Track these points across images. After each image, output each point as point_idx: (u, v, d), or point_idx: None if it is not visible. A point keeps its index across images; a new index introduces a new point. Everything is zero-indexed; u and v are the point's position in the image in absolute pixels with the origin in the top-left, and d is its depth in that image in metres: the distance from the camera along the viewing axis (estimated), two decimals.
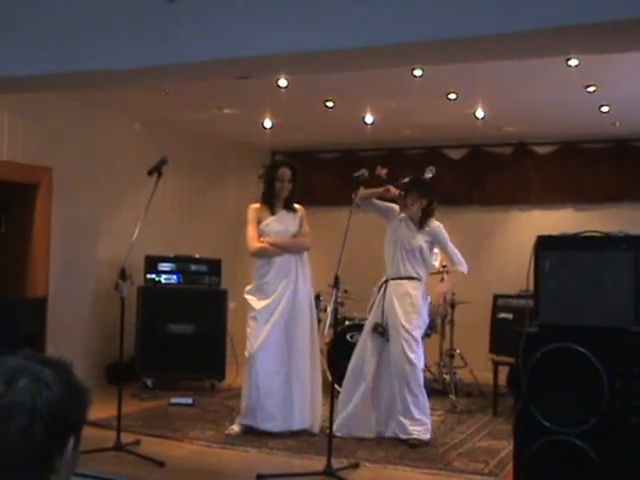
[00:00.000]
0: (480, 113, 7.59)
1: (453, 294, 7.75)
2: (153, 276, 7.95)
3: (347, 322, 7.53)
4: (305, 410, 5.99)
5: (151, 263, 7.94)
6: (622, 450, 3.79)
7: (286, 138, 9.23)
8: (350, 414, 5.95)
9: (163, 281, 8.00)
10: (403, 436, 5.79)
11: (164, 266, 8.02)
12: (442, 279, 7.69)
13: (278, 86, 6.38)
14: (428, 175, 6.32)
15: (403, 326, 5.84)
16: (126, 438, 5.45)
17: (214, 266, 8.09)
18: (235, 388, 7.33)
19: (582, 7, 3.33)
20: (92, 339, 7.81)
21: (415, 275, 5.96)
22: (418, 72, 5.87)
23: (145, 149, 7.90)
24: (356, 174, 5.49)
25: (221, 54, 4.15)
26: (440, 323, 7.84)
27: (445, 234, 6.08)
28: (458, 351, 7.82)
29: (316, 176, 9.52)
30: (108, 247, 7.82)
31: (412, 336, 5.83)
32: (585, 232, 4.11)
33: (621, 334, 3.89)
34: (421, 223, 6.03)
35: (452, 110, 7.45)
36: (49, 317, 6.72)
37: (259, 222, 6.07)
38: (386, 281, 6.04)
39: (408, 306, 5.88)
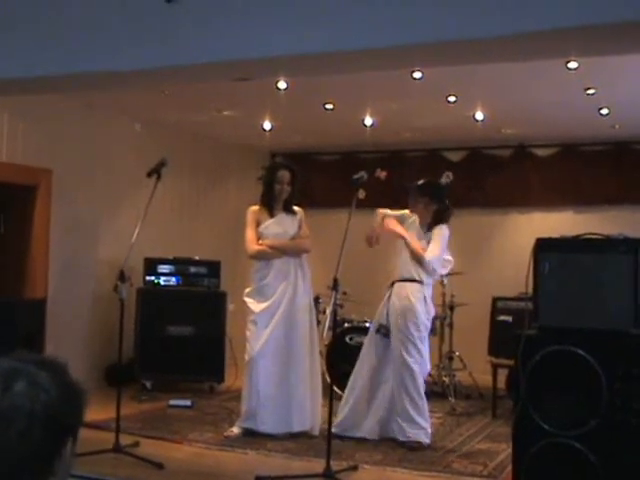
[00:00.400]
0: (480, 115, 7.60)
1: (452, 296, 7.76)
2: (152, 278, 7.95)
3: (346, 324, 7.53)
4: (305, 412, 5.98)
5: (150, 265, 7.94)
6: (622, 452, 3.79)
7: (286, 140, 9.24)
8: (346, 414, 5.96)
9: (162, 283, 8.00)
10: (402, 438, 5.79)
11: (163, 268, 8.02)
12: (442, 281, 7.71)
13: (278, 88, 6.38)
14: (444, 180, 6.26)
15: (401, 329, 5.85)
16: (125, 440, 5.45)
17: (213, 268, 8.09)
18: (234, 390, 7.33)
19: (581, 9, 3.33)
20: (91, 341, 7.81)
21: (416, 277, 5.93)
22: (418, 74, 5.87)
23: (145, 151, 7.90)
24: (355, 176, 5.48)
25: (221, 56, 4.15)
26: (439, 326, 7.84)
27: (441, 234, 5.94)
28: (457, 353, 7.82)
29: (315, 178, 9.52)
30: (107, 248, 7.82)
31: (409, 339, 5.83)
32: (584, 234, 4.10)
33: (620, 336, 3.88)
34: (429, 227, 5.99)
35: (452, 112, 7.45)
36: (48, 318, 6.71)
37: (258, 224, 6.07)
38: (393, 284, 6.04)
39: (407, 309, 5.87)
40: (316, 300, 7.57)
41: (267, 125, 8.40)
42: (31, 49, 4.57)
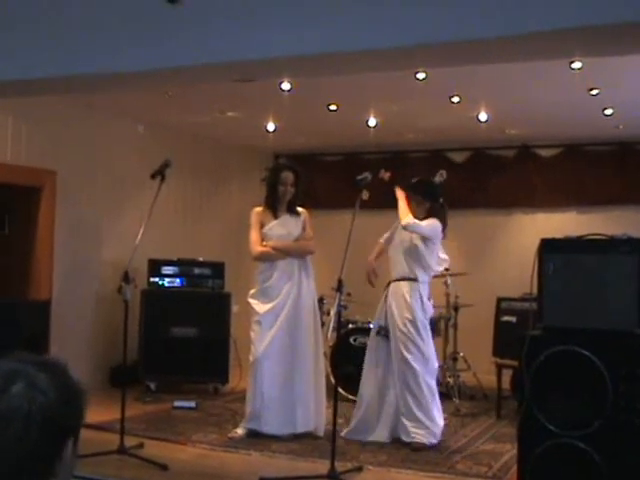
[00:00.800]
0: (483, 116, 7.59)
1: (457, 297, 7.75)
2: (156, 279, 7.95)
3: (350, 325, 7.52)
4: (309, 413, 5.98)
5: (154, 266, 7.94)
6: (626, 452, 3.79)
7: (289, 141, 9.24)
8: (358, 420, 5.97)
9: (166, 284, 8.00)
10: (406, 439, 5.79)
11: (167, 269, 8.02)
12: (446, 282, 7.71)
13: (281, 89, 6.39)
14: (438, 179, 6.29)
15: (399, 327, 5.87)
16: (129, 441, 5.45)
17: (217, 269, 8.09)
18: (238, 391, 7.33)
19: (585, 9, 3.33)
20: (95, 342, 7.81)
21: (411, 275, 5.96)
22: (421, 75, 5.87)
23: (148, 152, 7.91)
24: (359, 177, 5.48)
25: (223, 57, 4.15)
26: (443, 326, 7.84)
27: (430, 222, 5.97)
28: (461, 354, 7.81)
29: (319, 179, 9.52)
30: (111, 250, 7.83)
31: (408, 337, 5.84)
32: (588, 235, 4.10)
33: (625, 337, 3.88)
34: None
35: (455, 113, 7.45)
36: (52, 319, 6.72)
37: (262, 226, 6.07)
38: (389, 284, 6.05)
39: (403, 307, 5.90)
40: (320, 301, 7.57)
41: (270, 126, 8.40)
42: (31, 50, 4.58)
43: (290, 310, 5.97)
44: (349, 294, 7.29)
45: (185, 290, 8.03)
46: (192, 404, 7.09)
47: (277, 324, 5.94)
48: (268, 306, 5.96)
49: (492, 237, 9.31)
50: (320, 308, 7.60)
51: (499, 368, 6.95)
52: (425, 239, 5.96)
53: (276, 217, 6.09)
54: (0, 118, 6.82)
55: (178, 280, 8.04)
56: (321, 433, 5.96)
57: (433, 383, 5.97)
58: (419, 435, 5.75)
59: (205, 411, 6.98)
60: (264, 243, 6.03)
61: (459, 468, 5.32)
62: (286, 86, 6.33)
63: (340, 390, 5.79)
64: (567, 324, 4.01)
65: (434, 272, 6.26)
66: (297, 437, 5.94)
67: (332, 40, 3.84)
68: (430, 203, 6.05)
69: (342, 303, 5.65)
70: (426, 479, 5.12)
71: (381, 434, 5.91)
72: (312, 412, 5.99)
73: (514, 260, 8.45)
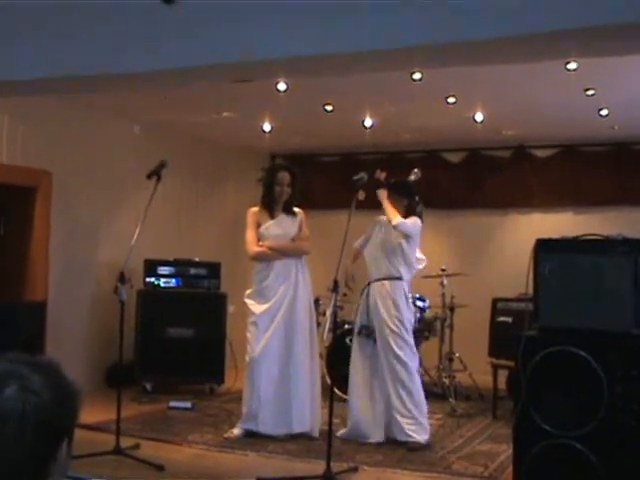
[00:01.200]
0: (479, 116, 7.60)
1: (452, 297, 7.76)
2: (152, 280, 7.95)
3: (346, 326, 7.52)
4: (305, 413, 5.99)
5: (150, 266, 7.94)
6: (622, 453, 3.79)
7: (285, 142, 9.24)
8: (356, 421, 5.98)
9: (162, 285, 8.00)
10: (402, 438, 5.80)
11: (163, 270, 8.01)
12: (442, 282, 7.72)
13: (277, 90, 6.38)
14: (413, 177, 6.32)
15: (388, 326, 5.89)
16: (125, 442, 5.45)
17: (213, 270, 8.09)
18: (234, 392, 7.33)
19: (581, 10, 3.33)
20: (91, 343, 7.81)
21: (397, 274, 5.99)
22: (417, 76, 5.87)
23: (144, 152, 7.90)
24: (355, 177, 5.49)
25: (220, 58, 4.15)
26: (439, 327, 7.84)
27: (414, 221, 6.01)
28: (457, 355, 7.82)
29: (315, 180, 9.52)
30: (107, 250, 7.83)
31: (398, 334, 5.88)
32: (584, 235, 4.11)
33: (621, 337, 3.89)
34: None
35: (451, 113, 7.46)
36: (48, 321, 6.71)
37: (258, 226, 6.08)
38: (369, 284, 6.06)
39: (391, 306, 5.93)
40: (316, 302, 7.57)
41: (267, 127, 8.40)
42: (30, 51, 4.57)
43: (286, 311, 5.97)
44: (345, 295, 7.29)
45: (181, 290, 8.03)
46: (188, 404, 7.09)
47: (273, 325, 5.95)
48: (264, 307, 5.97)
49: (488, 237, 9.32)
50: (316, 309, 7.60)
51: (495, 368, 6.96)
52: (408, 237, 6.00)
53: (272, 217, 6.09)
54: None
55: (174, 280, 8.04)
56: (316, 434, 5.97)
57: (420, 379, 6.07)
58: (414, 432, 5.77)
59: (201, 411, 6.98)
60: (260, 243, 6.04)
61: (455, 468, 5.32)
62: (282, 86, 6.32)
63: (336, 390, 5.80)
64: (563, 324, 4.01)
65: (415, 270, 6.29)
66: (293, 437, 5.95)
67: (331, 41, 3.84)
68: (408, 201, 6.10)
69: (338, 304, 5.67)
70: (422, 479, 5.12)
71: (376, 435, 5.92)
72: (308, 412, 6.00)
73: (510, 260, 8.46)
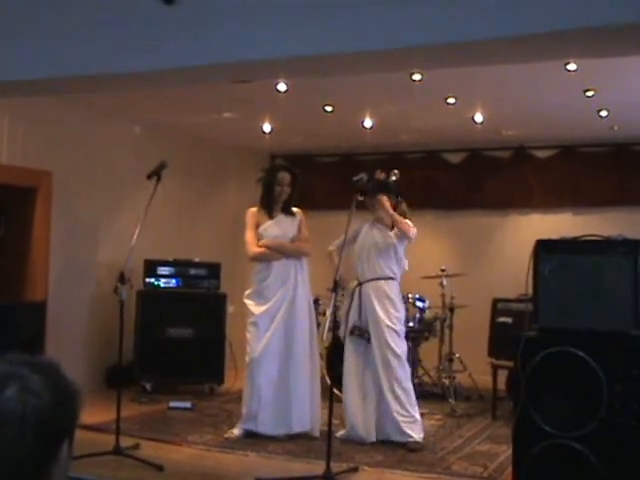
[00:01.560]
0: (479, 117, 7.60)
1: (452, 298, 7.76)
2: (152, 280, 7.95)
3: None
4: (305, 413, 6.00)
5: (150, 267, 7.94)
6: (622, 454, 3.79)
7: (285, 142, 9.24)
8: (352, 422, 5.99)
9: (162, 285, 8.00)
10: (400, 438, 5.79)
11: (163, 270, 8.02)
12: (442, 283, 7.72)
13: (277, 90, 6.39)
14: (393, 178, 6.31)
15: (386, 324, 5.90)
16: (125, 442, 5.45)
17: (213, 270, 8.09)
18: (234, 392, 7.33)
19: (581, 11, 3.33)
20: (91, 343, 7.81)
21: (391, 274, 6.02)
22: (417, 76, 5.88)
23: (145, 153, 7.90)
24: (355, 178, 5.49)
25: (220, 58, 4.15)
26: (439, 327, 7.84)
27: (413, 230, 6.06)
28: (457, 355, 7.81)
29: (315, 180, 9.52)
30: (107, 251, 7.83)
31: (396, 332, 5.91)
32: (584, 236, 4.11)
33: (620, 338, 3.89)
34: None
35: (451, 114, 7.46)
36: (48, 321, 6.71)
37: (257, 226, 6.08)
38: (360, 284, 6.05)
39: (388, 305, 5.95)
40: (316, 302, 7.57)
41: (267, 127, 8.40)
42: (30, 51, 4.57)
43: (286, 311, 5.98)
44: (344, 295, 7.29)
45: (181, 291, 8.03)
46: (188, 405, 7.09)
47: (273, 325, 5.95)
48: (264, 307, 5.97)
49: (488, 238, 9.32)
50: (316, 309, 7.60)
51: (495, 369, 6.96)
52: (401, 238, 5.99)
53: (271, 217, 6.09)
54: None
55: (174, 281, 8.04)
56: (316, 433, 5.97)
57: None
58: (412, 431, 5.78)
59: (201, 412, 6.98)
60: (259, 243, 6.04)
61: (455, 469, 5.32)
62: (282, 87, 6.33)
63: (335, 391, 5.80)
64: (563, 325, 4.02)
65: (404, 271, 6.30)
66: (293, 437, 5.95)
67: (331, 41, 3.84)
68: (395, 202, 6.11)
69: (337, 304, 5.67)
70: (421, 479, 5.13)
71: (370, 436, 5.92)
72: (308, 412, 6.00)
73: (510, 261, 8.46)
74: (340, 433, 5.98)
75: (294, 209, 6.17)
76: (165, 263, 8.03)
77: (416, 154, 9.48)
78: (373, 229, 6.11)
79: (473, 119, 7.64)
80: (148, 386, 7.71)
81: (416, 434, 5.81)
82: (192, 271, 8.09)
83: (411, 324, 7.25)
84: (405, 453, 5.65)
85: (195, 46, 4.13)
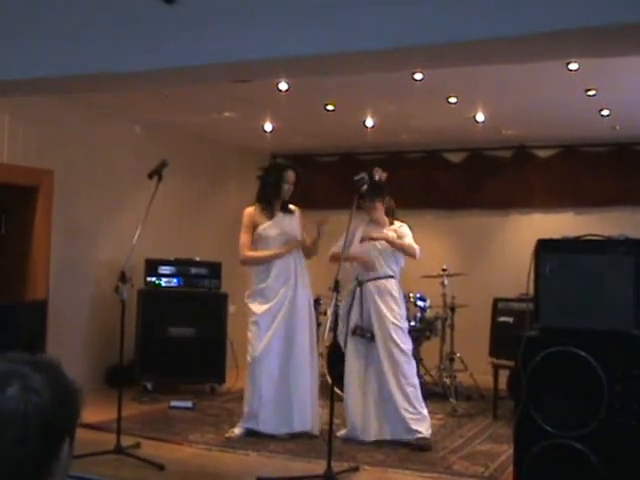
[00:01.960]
0: (480, 117, 7.60)
1: (453, 297, 7.76)
2: (153, 279, 7.95)
3: None
4: (306, 412, 6.01)
5: (151, 266, 7.94)
6: (622, 453, 3.79)
7: (286, 141, 9.24)
8: (353, 422, 5.99)
9: (163, 284, 8.00)
10: (408, 436, 5.78)
11: (164, 269, 8.02)
12: (443, 282, 7.72)
13: (278, 89, 6.39)
14: (377, 177, 6.29)
15: (391, 321, 5.91)
16: (126, 441, 5.45)
17: (214, 269, 8.09)
18: (235, 391, 7.33)
19: (582, 10, 3.33)
20: (92, 342, 7.81)
21: (391, 272, 6.04)
22: (418, 76, 5.87)
23: (145, 152, 7.90)
24: (356, 178, 5.49)
25: (221, 57, 4.15)
26: (440, 327, 7.84)
27: (408, 231, 6.11)
28: (458, 355, 7.81)
29: (316, 179, 9.52)
30: (108, 250, 7.82)
31: (401, 329, 5.93)
32: (585, 235, 4.11)
33: (621, 338, 3.89)
34: (390, 223, 6.12)
35: (452, 113, 7.46)
36: (49, 320, 6.71)
37: (254, 227, 6.06)
38: (360, 284, 6.04)
39: (391, 302, 5.96)
40: (317, 301, 7.58)
41: (268, 126, 8.40)
42: (30, 50, 4.57)
43: (287, 311, 5.99)
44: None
45: (182, 290, 8.03)
46: (189, 404, 7.09)
47: (274, 325, 5.96)
48: (265, 307, 5.98)
49: (489, 237, 9.32)
50: (317, 308, 7.61)
51: (496, 368, 6.96)
52: (397, 238, 6.03)
53: (271, 216, 6.08)
54: None
55: (175, 280, 8.04)
56: (317, 432, 5.98)
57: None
58: (421, 427, 5.77)
59: (202, 411, 6.98)
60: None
61: (456, 468, 5.32)
62: (283, 86, 6.33)
63: (336, 390, 5.80)
64: (564, 325, 4.01)
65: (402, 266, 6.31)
66: (294, 437, 5.96)
67: (332, 40, 3.84)
68: (385, 201, 6.14)
69: (338, 303, 5.67)
70: (422, 479, 5.12)
71: (371, 434, 5.92)
72: (309, 411, 6.01)
73: (511, 260, 8.46)
74: (341, 432, 5.98)
75: (292, 207, 6.18)
76: (166, 262, 8.03)
77: (417, 154, 9.48)
78: (370, 229, 6.11)
79: (474, 119, 7.63)
80: (149, 385, 7.71)
81: (424, 430, 5.80)
82: (193, 270, 8.09)
83: (412, 323, 7.24)
84: (407, 452, 5.65)
85: (195, 46, 4.13)
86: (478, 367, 7.70)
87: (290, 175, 6.08)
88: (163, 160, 5.66)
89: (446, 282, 7.74)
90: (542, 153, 9.05)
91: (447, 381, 7.64)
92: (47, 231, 7.30)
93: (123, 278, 5.45)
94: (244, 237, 6.09)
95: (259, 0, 3.99)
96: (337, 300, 5.30)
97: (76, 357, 7.28)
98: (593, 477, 3.80)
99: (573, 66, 5.53)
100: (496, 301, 7.33)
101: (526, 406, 3.98)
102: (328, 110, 7.49)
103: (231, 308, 7.99)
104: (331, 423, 5.09)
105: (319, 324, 7.89)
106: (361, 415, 5.96)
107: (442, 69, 5.44)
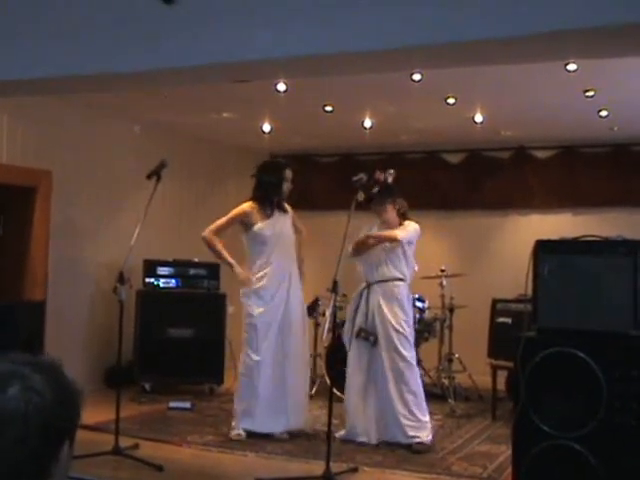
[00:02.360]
0: (479, 117, 7.60)
1: (452, 298, 7.76)
2: (152, 280, 7.95)
3: None
4: (301, 411, 6.07)
5: (150, 267, 7.94)
6: (621, 454, 3.79)
7: (285, 142, 9.24)
8: (352, 423, 5.99)
9: (162, 285, 8.00)
10: (405, 440, 5.77)
11: (163, 270, 8.01)
12: (441, 283, 7.72)
13: (277, 90, 6.39)
14: (390, 179, 6.30)
15: (394, 327, 5.87)
16: (124, 442, 5.45)
17: (213, 270, 8.09)
18: (233, 392, 7.32)
19: (581, 11, 3.33)
20: (91, 343, 7.80)
21: (400, 275, 5.98)
22: (417, 76, 5.88)
23: (144, 153, 7.90)
24: (355, 178, 5.49)
25: (219, 58, 4.15)
26: (439, 327, 7.84)
27: (412, 225, 6.05)
28: (457, 355, 7.82)
29: (315, 180, 9.53)
30: (107, 250, 7.82)
31: (404, 335, 5.87)
32: (584, 236, 4.11)
33: (620, 338, 3.89)
34: (400, 224, 6.07)
35: (451, 114, 7.46)
36: (48, 320, 6.71)
37: (249, 225, 6.02)
38: (368, 286, 6.03)
39: (396, 307, 5.91)
40: (316, 302, 7.58)
41: (266, 127, 8.40)
42: (30, 50, 4.57)
43: (283, 312, 6.00)
44: (345, 295, 7.28)
45: (180, 291, 8.03)
46: (187, 405, 7.09)
47: (271, 325, 5.97)
48: (262, 308, 5.97)
49: (487, 238, 9.32)
50: (316, 309, 7.62)
51: (494, 369, 6.96)
52: (409, 240, 6.00)
53: (271, 215, 6.06)
54: None
55: (173, 281, 8.04)
56: (310, 430, 6.06)
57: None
58: (418, 432, 5.75)
59: (200, 412, 6.98)
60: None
61: (454, 469, 5.32)
62: (282, 87, 6.33)
63: (335, 391, 5.79)
64: (562, 325, 4.01)
65: (413, 272, 6.28)
66: (292, 437, 5.97)
67: (331, 41, 3.84)
68: (399, 204, 6.10)
69: (337, 304, 5.67)
70: None
71: (371, 437, 5.91)
72: (303, 410, 6.07)
73: (509, 261, 8.46)
74: (340, 433, 5.98)
75: (287, 206, 6.20)
76: (165, 263, 8.03)
77: (416, 154, 9.48)
78: (381, 231, 6.09)
79: (473, 119, 7.63)
80: (147, 386, 7.71)
81: (424, 437, 5.77)
82: (192, 271, 8.10)
83: None
84: (405, 454, 5.64)
85: (195, 46, 4.13)
86: (477, 368, 7.70)
87: (289, 173, 6.11)
88: (162, 160, 5.65)
89: (445, 283, 7.74)
90: (541, 154, 9.05)
91: (446, 382, 7.64)
92: (45, 231, 7.29)
93: (122, 279, 5.45)
94: (223, 222, 6.10)
95: (259, 0, 3.99)
96: (336, 301, 5.29)
97: (75, 358, 7.27)
98: (592, 478, 3.80)
99: (572, 67, 5.53)
100: (495, 302, 7.34)
101: (525, 407, 3.98)
102: (327, 111, 7.49)
103: (230, 309, 7.98)
104: (329, 424, 5.09)
105: (317, 324, 7.90)
106: (362, 417, 5.95)
107: (441, 70, 5.44)
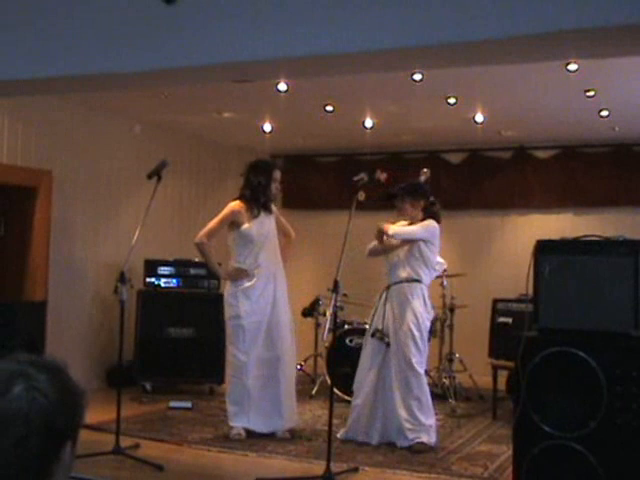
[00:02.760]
0: (479, 117, 7.60)
1: (452, 298, 7.75)
2: (152, 280, 7.95)
3: (346, 326, 7.52)
4: (293, 410, 6.09)
5: (150, 267, 7.94)
6: (622, 454, 3.79)
7: (286, 142, 9.24)
8: (355, 419, 5.97)
9: (162, 285, 8.00)
10: (405, 443, 5.75)
11: (163, 270, 8.02)
12: (442, 283, 7.72)
13: (278, 90, 6.39)
14: (422, 178, 6.32)
15: (403, 330, 5.82)
16: (125, 442, 5.45)
17: None
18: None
19: (581, 11, 3.33)
20: (91, 343, 7.81)
21: (415, 277, 5.90)
22: (418, 76, 5.88)
23: (145, 153, 7.91)
24: (356, 178, 5.48)
25: (220, 58, 4.15)
26: (439, 327, 7.84)
27: (426, 223, 5.99)
28: (457, 355, 7.82)
29: (315, 180, 9.52)
30: (107, 251, 7.83)
31: (412, 340, 5.80)
32: (584, 236, 4.11)
33: (620, 338, 3.89)
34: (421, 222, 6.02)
35: (451, 114, 7.46)
36: (48, 321, 6.71)
37: (237, 225, 6.01)
38: (388, 287, 6.01)
39: (408, 309, 5.85)
40: (316, 302, 7.58)
41: (267, 127, 8.40)
42: (30, 51, 4.57)
43: (271, 311, 6.00)
44: (345, 295, 7.30)
45: (181, 291, 8.03)
46: (188, 404, 7.09)
47: (259, 325, 5.96)
48: (249, 308, 5.95)
49: (488, 238, 9.32)
50: (316, 309, 7.62)
51: (495, 369, 6.96)
52: (425, 240, 5.95)
53: (257, 216, 6.02)
54: None
55: (174, 281, 8.04)
56: (297, 426, 6.12)
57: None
58: (422, 436, 5.73)
59: (201, 411, 6.98)
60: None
61: (455, 469, 5.32)
62: (282, 87, 6.33)
63: (336, 391, 5.80)
64: (563, 325, 4.01)
65: (436, 273, 6.26)
66: (293, 437, 5.97)
67: (332, 41, 3.84)
68: (424, 203, 6.05)
69: (338, 304, 5.66)
70: None
71: (373, 437, 5.90)
72: (295, 409, 6.10)
73: (510, 261, 8.46)
74: (340, 433, 5.98)
75: (273, 206, 6.20)
76: (165, 263, 8.03)
77: (416, 154, 9.48)
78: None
79: (474, 119, 7.64)
80: (148, 386, 7.71)
81: (425, 439, 5.74)
82: (192, 271, 8.10)
83: None
84: (405, 454, 5.64)
85: (195, 46, 4.13)
86: (477, 368, 7.70)
87: (278, 174, 6.10)
88: (162, 160, 5.65)
89: (445, 283, 7.74)
90: (541, 154, 9.05)
91: (446, 382, 7.64)
92: (46, 232, 7.29)
93: (122, 279, 5.45)
94: (215, 224, 6.07)
95: (259, 0, 3.99)
96: (336, 301, 5.28)
97: (75, 358, 7.28)
98: (592, 478, 3.80)
99: (572, 67, 5.53)
100: (495, 302, 7.34)
101: (525, 407, 3.98)
102: (328, 111, 7.49)
103: None
104: (330, 424, 5.09)
105: (318, 324, 7.91)
106: (367, 417, 5.93)
107: (441, 70, 5.45)
